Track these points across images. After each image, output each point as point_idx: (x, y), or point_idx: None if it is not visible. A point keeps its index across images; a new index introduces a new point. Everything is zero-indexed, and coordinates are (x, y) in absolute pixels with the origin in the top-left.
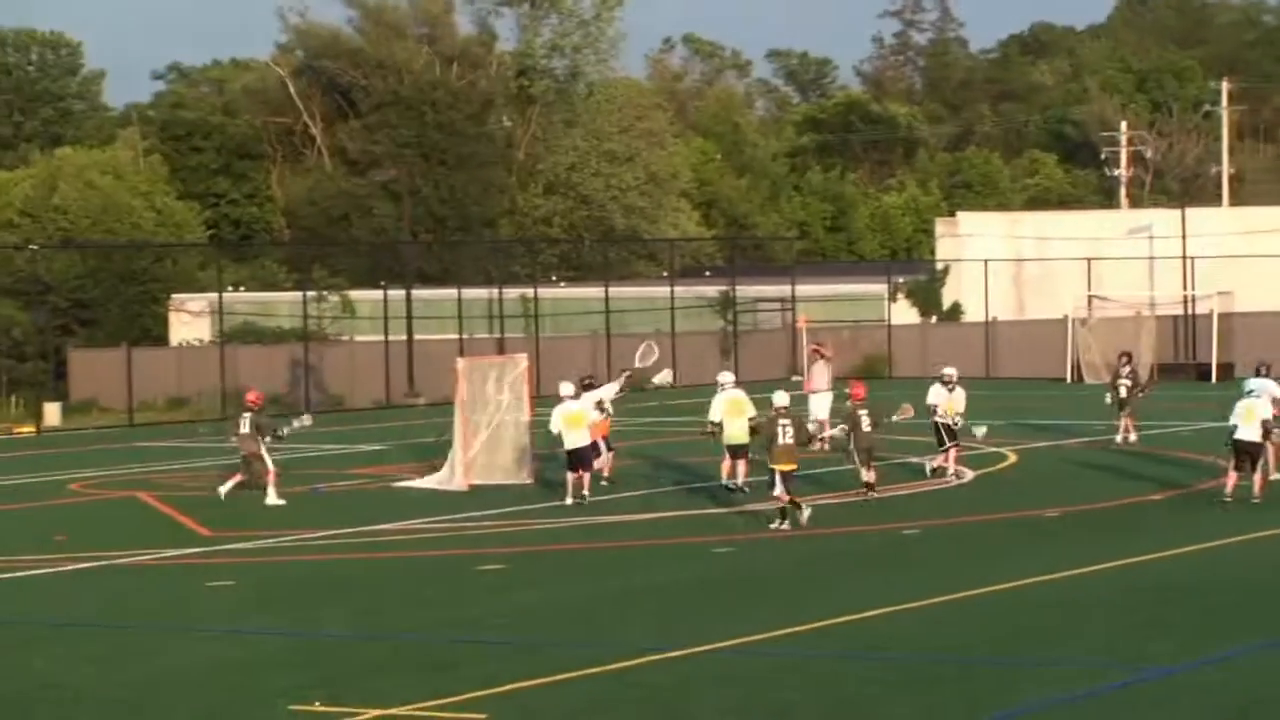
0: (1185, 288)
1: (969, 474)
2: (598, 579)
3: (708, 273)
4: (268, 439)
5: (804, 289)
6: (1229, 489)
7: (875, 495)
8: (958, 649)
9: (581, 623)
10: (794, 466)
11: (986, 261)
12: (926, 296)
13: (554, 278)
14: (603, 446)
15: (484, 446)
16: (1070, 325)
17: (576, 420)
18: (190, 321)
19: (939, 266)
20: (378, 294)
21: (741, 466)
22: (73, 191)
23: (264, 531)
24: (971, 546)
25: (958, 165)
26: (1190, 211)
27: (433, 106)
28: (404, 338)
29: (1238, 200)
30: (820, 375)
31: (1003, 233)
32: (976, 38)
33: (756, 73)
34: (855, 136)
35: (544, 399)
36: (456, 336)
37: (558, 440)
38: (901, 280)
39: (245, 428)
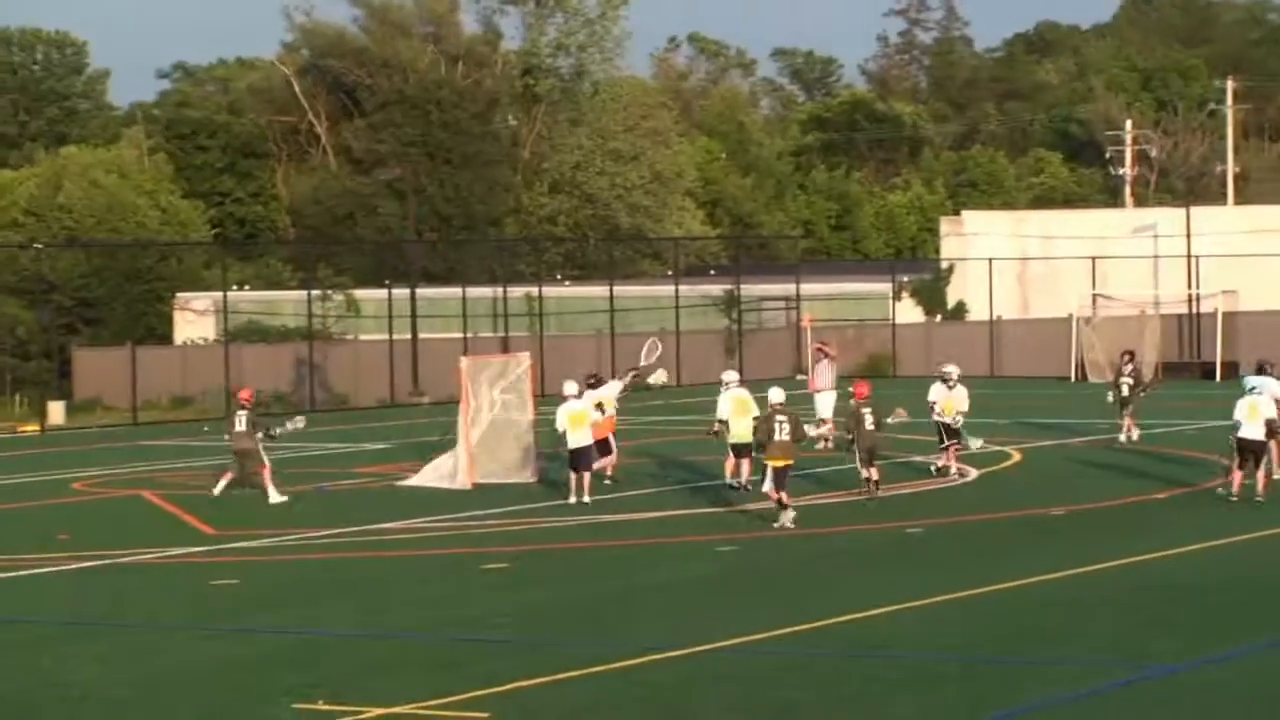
0: (1190, 287)
1: (972, 472)
2: (601, 578)
3: (712, 272)
4: (260, 435)
5: (809, 288)
6: (1235, 487)
7: (879, 495)
8: (961, 648)
9: (585, 621)
10: (790, 462)
11: (991, 260)
12: (931, 295)
13: (559, 276)
14: (613, 443)
15: (488, 445)
16: (1075, 324)
17: (579, 419)
18: (195, 320)
19: (944, 265)
20: (382, 293)
21: (746, 465)
22: (78, 190)
23: (268, 530)
24: (975, 545)
25: (963, 164)
26: (1195, 210)
27: (438, 105)
28: (409, 337)
29: (1242, 199)
30: (825, 374)
31: (1007, 231)
32: (981, 36)
33: (761, 71)
34: (860, 135)
35: (548, 398)
36: (461, 335)
37: (561, 439)
38: (906, 279)
39: (241, 425)
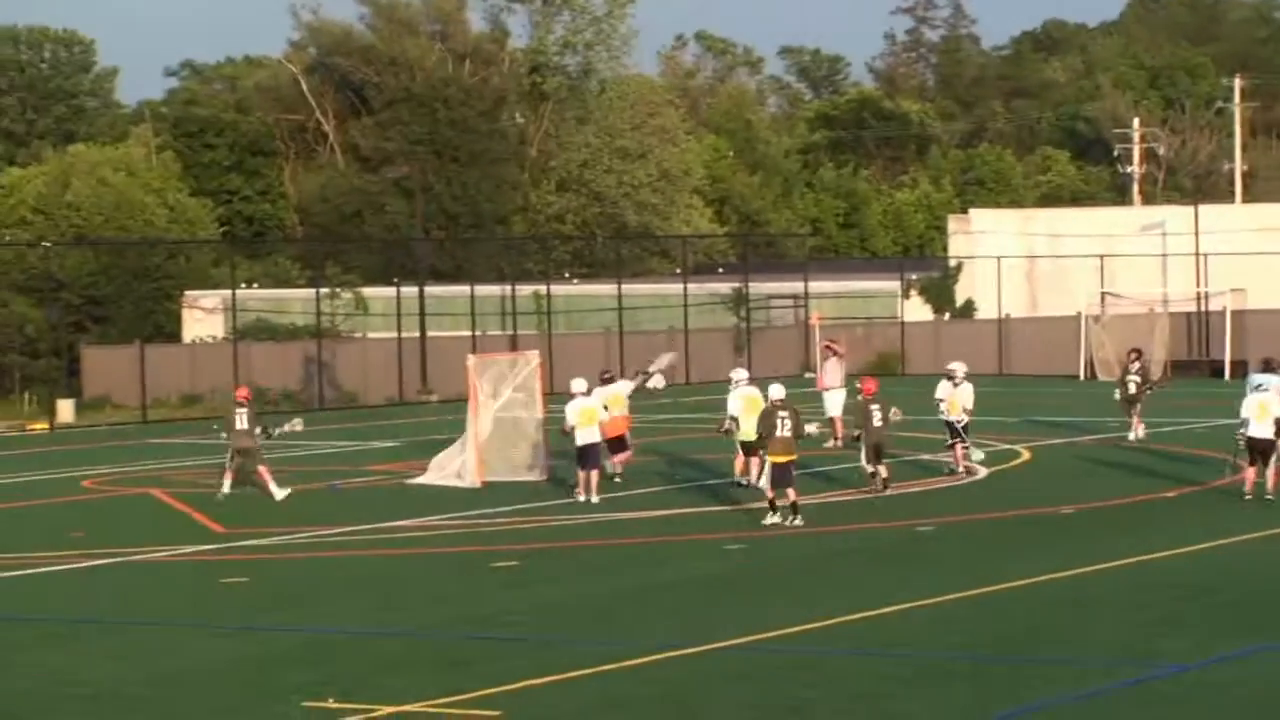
0: (1198, 285)
1: (981, 471)
2: (612, 576)
3: (720, 270)
4: (259, 431)
5: (817, 286)
6: (1248, 486)
7: (888, 493)
8: (971, 646)
9: (595, 620)
10: (792, 458)
11: (999, 258)
12: (939, 293)
13: (567, 274)
14: (628, 440)
15: (497, 443)
16: (1083, 322)
17: (590, 416)
18: (203, 318)
19: (952, 263)
20: (391, 291)
21: (755, 463)
22: (85, 188)
23: (278, 528)
24: (985, 543)
25: (970, 162)
26: (1203, 208)
27: (445, 103)
28: (417, 334)
29: (1250, 197)
30: (833, 372)
31: (1015, 230)
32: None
33: (769, 70)
34: (868, 133)
35: (557, 396)
36: (469, 333)
37: (569, 436)
38: (914, 277)
39: (242, 423)
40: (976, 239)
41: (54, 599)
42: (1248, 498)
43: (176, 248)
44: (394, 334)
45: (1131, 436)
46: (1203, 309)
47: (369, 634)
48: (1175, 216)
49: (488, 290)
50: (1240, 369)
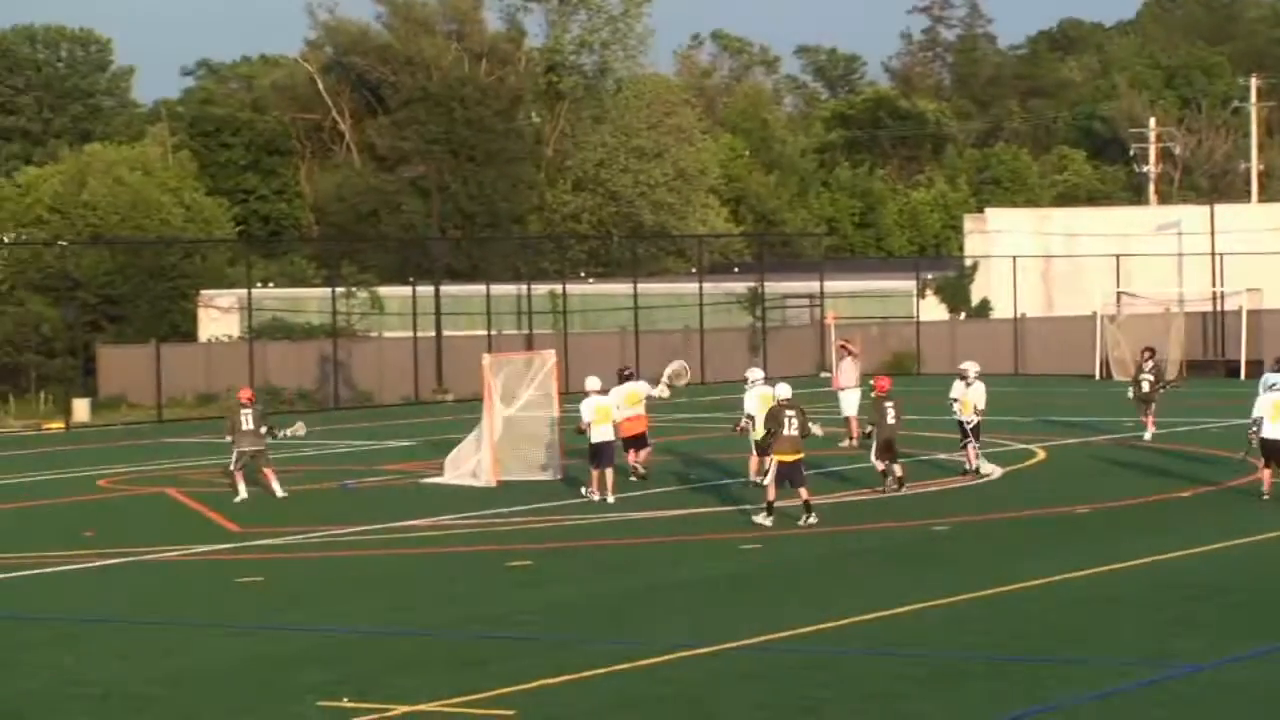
0: (1214, 284)
1: (997, 470)
2: (626, 575)
3: (736, 269)
4: (264, 431)
5: (832, 285)
6: (1266, 486)
7: (903, 490)
8: (986, 646)
9: (610, 619)
10: (799, 457)
11: (1015, 258)
12: (955, 293)
13: (582, 274)
14: (648, 438)
15: (512, 443)
16: (1099, 322)
17: (605, 414)
18: (219, 317)
19: (968, 263)
20: (406, 290)
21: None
22: (102, 188)
23: (293, 527)
24: (1000, 543)
25: (986, 161)
26: (1219, 208)
27: (461, 103)
28: (433, 334)
29: (1267, 196)
30: (848, 372)
31: (1031, 229)
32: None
33: (785, 69)
34: (884, 133)
35: (572, 395)
36: (485, 333)
37: (584, 434)
38: (930, 277)
39: (249, 423)
40: (992, 238)
41: (67, 598)
42: (1265, 498)
43: (192, 247)
44: (409, 333)
45: (1147, 436)
46: (1218, 309)
47: (383, 634)
48: (1191, 216)
49: (503, 290)
50: (1256, 369)
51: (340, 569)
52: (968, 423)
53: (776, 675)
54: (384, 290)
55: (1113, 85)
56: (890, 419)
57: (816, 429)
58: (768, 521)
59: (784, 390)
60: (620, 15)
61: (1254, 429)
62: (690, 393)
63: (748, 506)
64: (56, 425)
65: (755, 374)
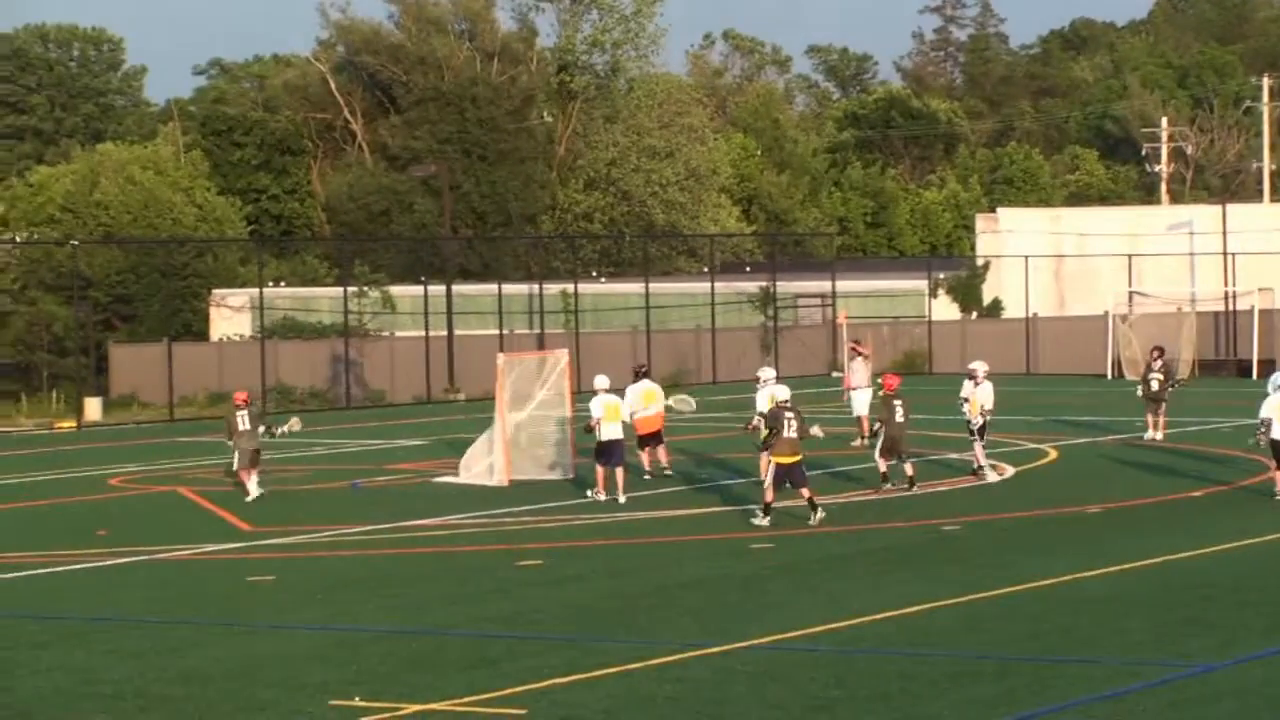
0: (1226, 284)
1: (1008, 470)
2: (637, 574)
3: (748, 268)
4: (263, 430)
5: (844, 285)
6: (1278, 486)
7: (914, 489)
8: (998, 646)
9: (620, 618)
10: (798, 458)
11: (1027, 258)
12: (967, 292)
13: (594, 273)
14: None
15: (525, 442)
16: (1111, 321)
17: (614, 412)
18: (231, 317)
19: (979, 262)
20: (418, 289)
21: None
22: (114, 187)
23: (304, 527)
24: (1011, 543)
25: (998, 161)
26: (1231, 207)
27: (473, 102)
28: (444, 333)
29: (1279, 196)
30: (860, 372)
31: (1043, 229)
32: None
33: (796, 69)
34: (895, 132)
35: (585, 395)
36: (497, 332)
37: (592, 433)
38: (942, 276)
39: (245, 424)
40: (1004, 238)
41: (78, 597)
42: (1277, 498)
43: (204, 246)
44: (421, 333)
45: (1148, 436)
46: (1230, 308)
47: (394, 633)
48: (1203, 216)
49: (515, 289)
50: (1268, 368)
51: (351, 568)
52: (974, 423)
53: (787, 675)
54: (396, 289)
55: (1125, 85)
56: (899, 417)
57: (817, 430)
58: (765, 522)
59: (782, 391)
60: (632, 15)
61: (1261, 429)
62: (702, 392)
63: (757, 506)
64: (68, 424)
65: (767, 373)
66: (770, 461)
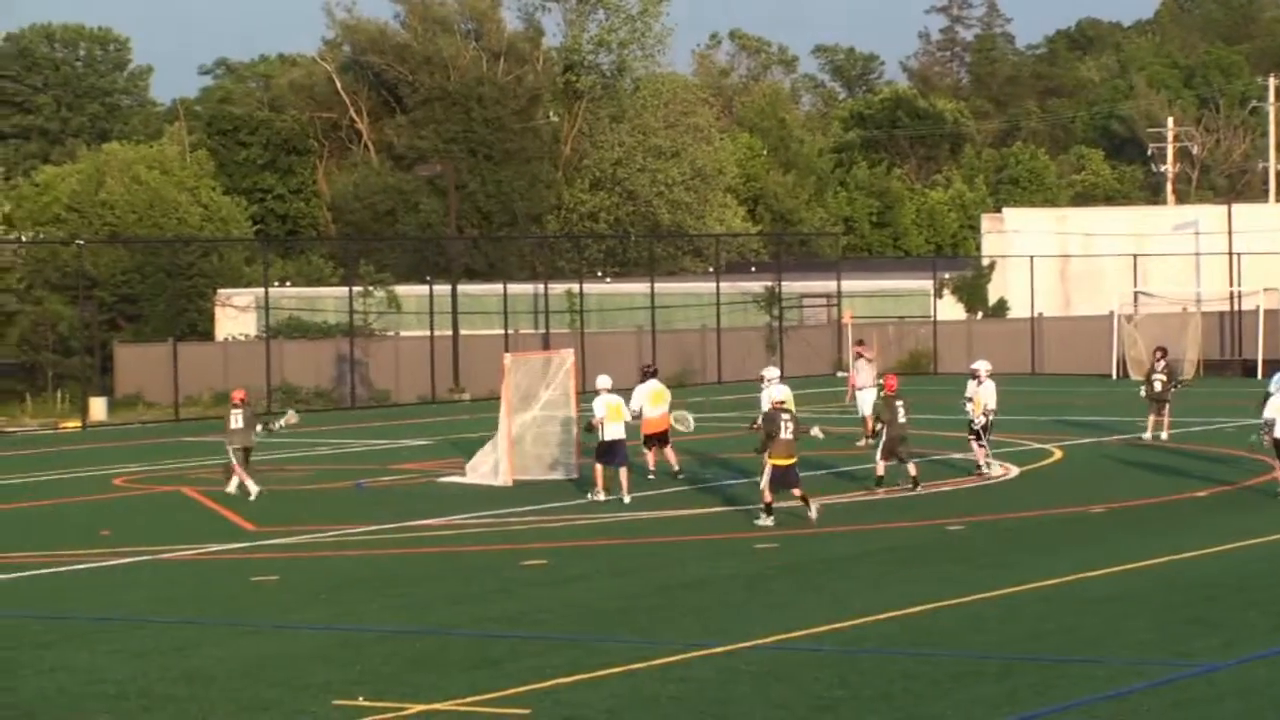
0: (1231, 284)
1: (1013, 470)
2: (640, 574)
3: (753, 268)
4: (260, 429)
5: (849, 285)
6: None
7: (918, 489)
8: (1001, 646)
9: (624, 618)
10: (793, 460)
11: (1032, 258)
12: (972, 292)
13: (600, 273)
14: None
15: (530, 442)
16: (1116, 321)
17: (616, 412)
18: (236, 316)
19: (985, 262)
20: (423, 289)
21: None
22: (119, 186)
23: (307, 527)
24: (1015, 543)
25: (1004, 161)
26: (1236, 208)
27: (479, 102)
28: (449, 333)
29: None
30: (864, 373)
31: (1049, 229)
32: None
33: (803, 68)
34: (901, 132)
35: (590, 395)
36: (502, 332)
37: (594, 432)
38: (947, 276)
39: (239, 422)
40: (1010, 238)
41: (82, 597)
42: None
43: (210, 246)
44: (427, 332)
45: (1147, 436)
46: (1235, 308)
47: (398, 632)
48: (1209, 216)
49: (521, 289)
50: (1273, 368)
51: (355, 568)
52: (977, 422)
53: (791, 674)
54: (401, 289)
55: (1131, 85)
56: (901, 418)
57: (817, 432)
58: (769, 522)
59: (779, 392)
60: (638, 14)
61: (1264, 429)
62: (706, 392)
63: (760, 506)
64: (73, 424)
65: (771, 372)
66: (767, 463)
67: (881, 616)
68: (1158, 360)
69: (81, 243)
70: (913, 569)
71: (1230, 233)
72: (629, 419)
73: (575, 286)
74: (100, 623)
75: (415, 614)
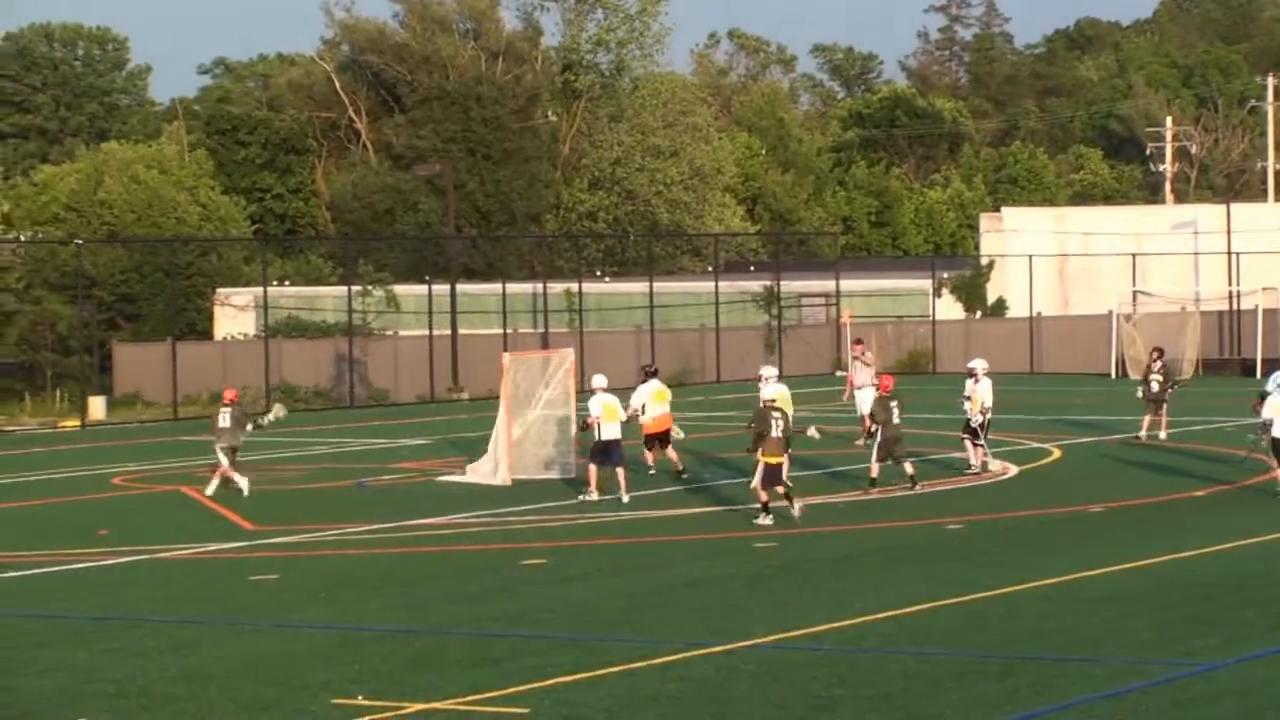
0: (1230, 283)
1: (1012, 469)
2: (639, 573)
3: (752, 268)
4: (250, 428)
5: (848, 284)
6: None
7: (917, 488)
8: (1000, 645)
9: (623, 617)
10: (784, 459)
11: (1031, 257)
12: (971, 292)
13: (598, 273)
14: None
15: (529, 442)
16: (1115, 321)
17: (612, 412)
18: (235, 316)
19: (983, 262)
20: (422, 289)
21: (785, 461)
22: (118, 186)
23: (307, 526)
24: (1014, 542)
25: (1003, 160)
26: (1235, 207)
27: (478, 101)
28: (448, 332)
29: None
30: (863, 373)
31: (1047, 228)
32: (1022, 33)
33: (801, 68)
34: (900, 132)
35: (588, 394)
36: (501, 331)
37: (589, 431)
38: (946, 275)
39: (226, 421)
40: (1008, 237)
41: (81, 596)
42: None
43: (208, 245)
44: (425, 332)
45: (1142, 435)
46: (1234, 308)
47: (397, 631)
48: (1207, 215)
49: (519, 288)
50: (1271, 367)
51: (354, 567)
52: (974, 420)
53: (790, 674)
54: (400, 289)
55: (1129, 84)
56: (895, 418)
57: (813, 432)
58: (768, 521)
59: (771, 391)
60: (637, 14)
61: (1262, 429)
62: (705, 390)
63: (757, 506)
64: (72, 423)
65: (769, 371)
66: (760, 462)
67: (881, 615)
68: (1154, 361)
69: (80, 242)
70: (912, 568)
71: (1229, 232)
72: (624, 418)
73: (574, 286)
74: (99, 622)
75: (415, 613)
